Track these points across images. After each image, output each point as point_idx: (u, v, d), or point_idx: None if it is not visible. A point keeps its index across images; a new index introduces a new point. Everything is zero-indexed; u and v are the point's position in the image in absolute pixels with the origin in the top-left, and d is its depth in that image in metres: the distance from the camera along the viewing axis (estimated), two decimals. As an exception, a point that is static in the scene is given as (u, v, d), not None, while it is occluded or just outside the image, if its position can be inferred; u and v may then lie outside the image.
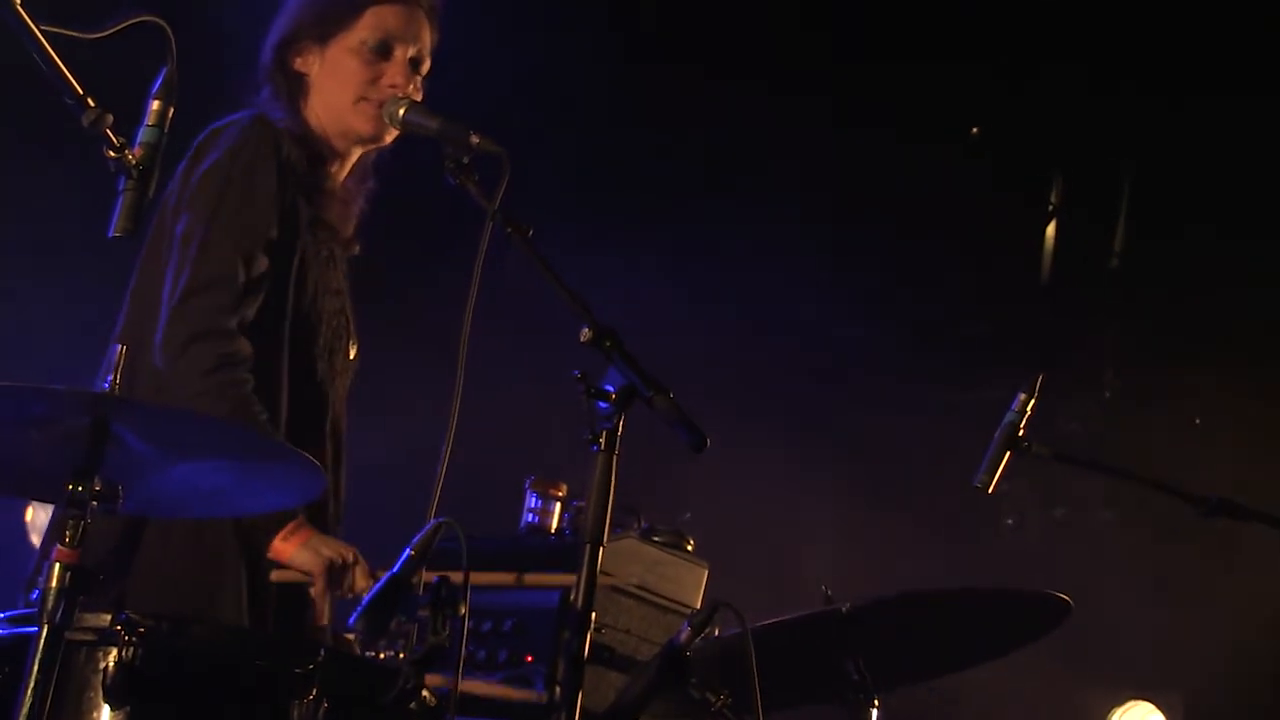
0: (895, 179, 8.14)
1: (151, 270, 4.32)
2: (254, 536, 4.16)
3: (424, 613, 3.41)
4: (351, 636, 3.73)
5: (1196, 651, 7.95)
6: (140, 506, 3.55)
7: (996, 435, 4.65)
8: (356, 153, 4.57)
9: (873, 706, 4.32)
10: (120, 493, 3.25)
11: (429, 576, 3.47)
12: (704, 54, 7.91)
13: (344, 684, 3.38)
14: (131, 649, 3.26)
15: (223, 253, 4.19)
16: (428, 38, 4.55)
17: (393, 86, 4.43)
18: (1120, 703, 8.44)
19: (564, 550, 4.64)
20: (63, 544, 3.18)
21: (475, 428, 3.98)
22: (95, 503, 3.22)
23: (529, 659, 4.59)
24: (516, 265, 3.78)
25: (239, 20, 4.77)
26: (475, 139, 3.96)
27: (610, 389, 3.52)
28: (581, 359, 3.55)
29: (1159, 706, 8.39)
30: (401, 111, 4.29)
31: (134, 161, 3.18)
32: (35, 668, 3.12)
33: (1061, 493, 8.67)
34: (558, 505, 4.89)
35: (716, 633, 4.00)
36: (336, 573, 4.10)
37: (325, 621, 4.10)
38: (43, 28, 3.20)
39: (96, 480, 3.22)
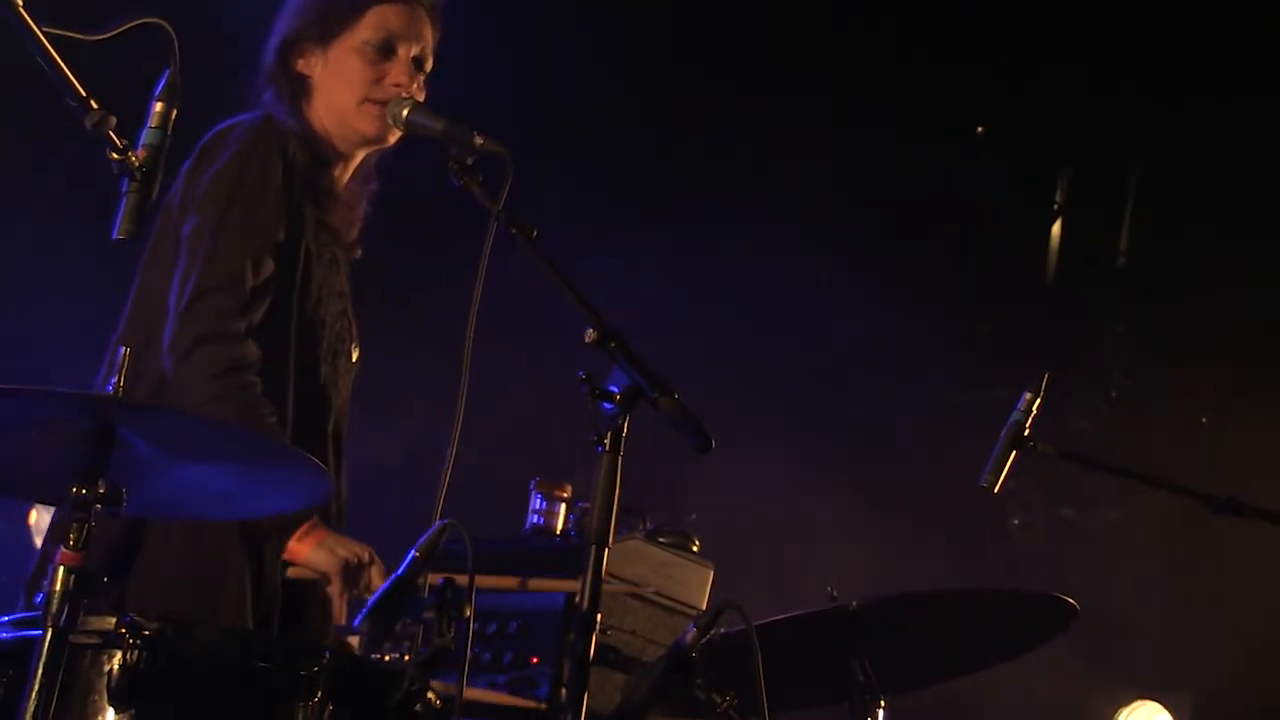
0: (896, 179, 8.14)
1: (154, 272, 4.31)
2: (269, 537, 4.15)
3: (429, 615, 3.40)
4: (356, 639, 3.73)
5: (1204, 651, 7.95)
6: (144, 509, 3.54)
7: (1002, 434, 4.65)
8: (360, 154, 4.55)
9: (879, 707, 4.32)
10: (124, 495, 3.23)
11: (434, 578, 3.46)
12: (704, 54, 7.91)
13: (349, 686, 3.37)
14: (136, 652, 3.26)
15: (231, 255, 4.17)
16: (430, 36, 4.53)
17: (397, 86, 4.41)
18: (1128, 702, 8.44)
19: (569, 552, 4.64)
20: (67, 547, 3.17)
21: (479, 429, 3.97)
22: (99, 505, 3.21)
23: (534, 661, 4.58)
24: (521, 266, 3.77)
25: (241, 22, 4.75)
26: (479, 140, 3.95)
27: (615, 390, 3.51)
28: (584, 360, 3.54)
29: (1167, 706, 8.39)
30: (405, 112, 4.28)
31: (137, 163, 3.17)
32: (40, 671, 3.11)
33: (1069, 492, 8.66)
34: (563, 506, 4.89)
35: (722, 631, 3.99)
36: (352, 572, 4.09)
37: (341, 621, 4.09)
38: (45, 29, 3.19)
39: (100, 483, 3.21)
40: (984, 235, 8.44)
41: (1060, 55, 7.98)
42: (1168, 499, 4.74)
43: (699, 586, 4.92)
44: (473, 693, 4.24)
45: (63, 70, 3.18)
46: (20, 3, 3.18)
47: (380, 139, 4.48)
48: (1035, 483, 8.56)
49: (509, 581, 4.54)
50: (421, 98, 4.42)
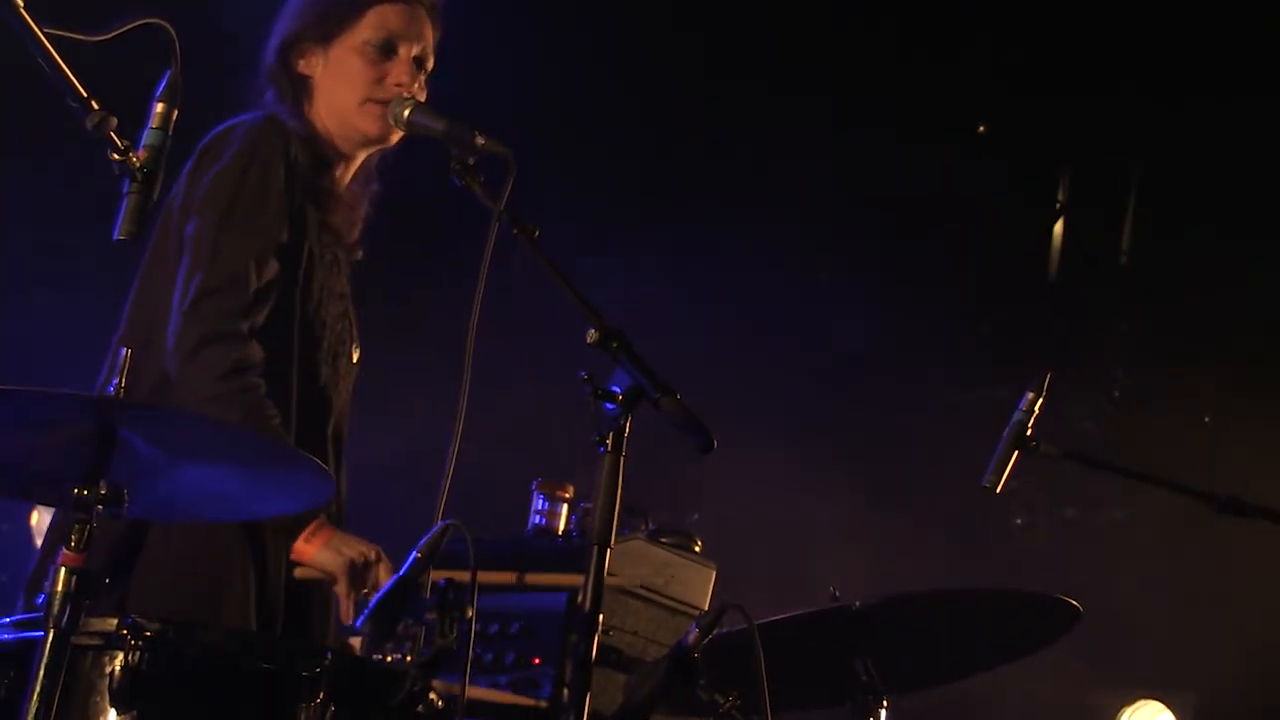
0: (896, 179, 8.14)
1: (155, 273, 4.30)
2: (272, 538, 4.15)
3: (431, 616, 3.39)
4: (358, 640, 3.72)
5: (1208, 651, 7.94)
6: (146, 510, 3.53)
7: (1005, 434, 4.65)
8: (362, 154, 4.55)
9: (881, 708, 4.31)
10: (126, 497, 3.23)
11: (436, 577, 3.45)
12: (704, 54, 7.91)
13: (351, 687, 3.36)
14: (138, 653, 3.25)
15: (234, 256, 4.16)
16: (430, 36, 4.52)
17: (398, 86, 4.41)
18: (1130, 702, 8.43)
19: (571, 552, 4.63)
20: (68, 548, 3.17)
21: (481, 429, 3.96)
22: (101, 507, 3.20)
23: (536, 661, 4.57)
24: (523, 266, 3.77)
25: (241, 22, 4.74)
26: (481, 140, 3.94)
27: (617, 390, 3.50)
28: (586, 360, 3.54)
29: (1169, 706, 8.39)
30: (407, 113, 4.27)
31: (138, 164, 3.16)
32: (41, 672, 3.10)
33: (1071, 492, 8.66)
34: (565, 507, 4.88)
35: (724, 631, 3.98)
36: (359, 572, 4.08)
37: (349, 620, 4.08)
38: (46, 30, 3.19)
39: (102, 484, 3.20)
40: (985, 235, 8.44)
41: (1061, 54, 7.98)
42: (1170, 498, 4.75)
43: (701, 587, 4.91)
44: (475, 692, 4.24)
45: (64, 71, 3.18)
46: (21, 3, 3.17)
47: (382, 139, 4.47)
48: (1038, 482, 8.56)
49: (507, 576, 4.54)
50: (423, 98, 4.42)
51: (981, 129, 8.44)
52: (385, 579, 4.03)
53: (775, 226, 8.04)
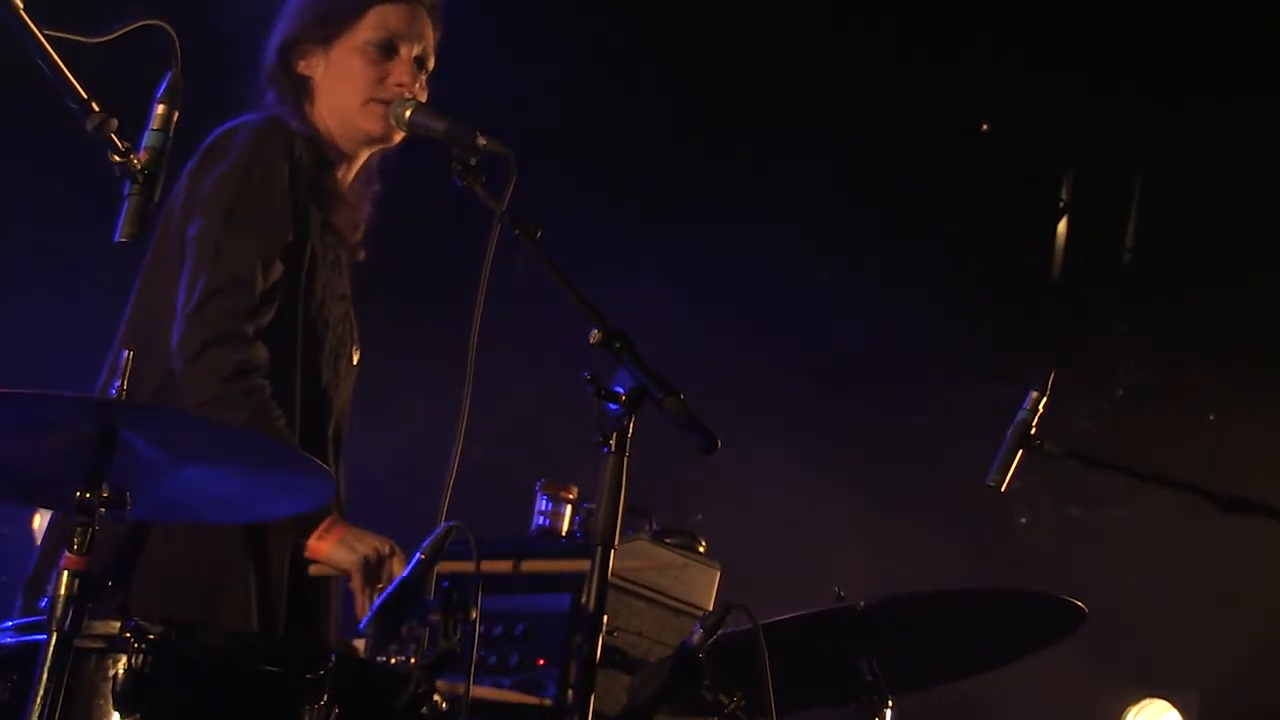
0: (896, 178, 8.14)
1: (157, 274, 4.29)
2: (274, 539, 4.14)
3: (435, 617, 3.39)
4: (362, 641, 3.72)
5: (1213, 649, 7.94)
6: (149, 512, 3.53)
7: (1009, 433, 4.65)
8: (364, 155, 4.54)
9: (886, 708, 4.31)
10: (128, 499, 3.22)
11: (442, 568, 3.44)
12: (703, 54, 7.91)
13: (355, 689, 3.36)
14: (141, 656, 3.24)
15: (239, 257, 4.15)
16: (431, 36, 4.52)
17: (400, 85, 4.40)
18: (1136, 700, 8.42)
19: (574, 553, 4.62)
20: (71, 551, 3.16)
21: (483, 429, 3.96)
22: (103, 509, 3.20)
23: (541, 663, 4.57)
24: (525, 267, 3.76)
25: (241, 22, 4.73)
26: (482, 140, 3.93)
27: (620, 391, 3.50)
28: (588, 360, 3.53)
29: (1175, 704, 8.38)
30: (408, 113, 4.27)
31: (139, 166, 3.16)
32: (44, 675, 3.10)
33: (1075, 491, 8.65)
34: (568, 508, 4.89)
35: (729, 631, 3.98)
36: (373, 568, 4.07)
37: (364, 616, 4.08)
38: (46, 32, 3.18)
39: (104, 486, 3.20)
40: (986, 234, 8.44)
41: (1065, 52, 7.97)
42: (1174, 497, 4.74)
43: (705, 587, 4.91)
44: (479, 692, 4.24)
45: (64, 73, 3.17)
46: (21, 5, 3.16)
47: (385, 139, 4.46)
48: (1041, 481, 8.55)
49: (505, 565, 4.53)
50: (424, 98, 4.41)
51: (984, 127, 8.43)
52: (399, 573, 4.03)
53: (775, 226, 8.03)
